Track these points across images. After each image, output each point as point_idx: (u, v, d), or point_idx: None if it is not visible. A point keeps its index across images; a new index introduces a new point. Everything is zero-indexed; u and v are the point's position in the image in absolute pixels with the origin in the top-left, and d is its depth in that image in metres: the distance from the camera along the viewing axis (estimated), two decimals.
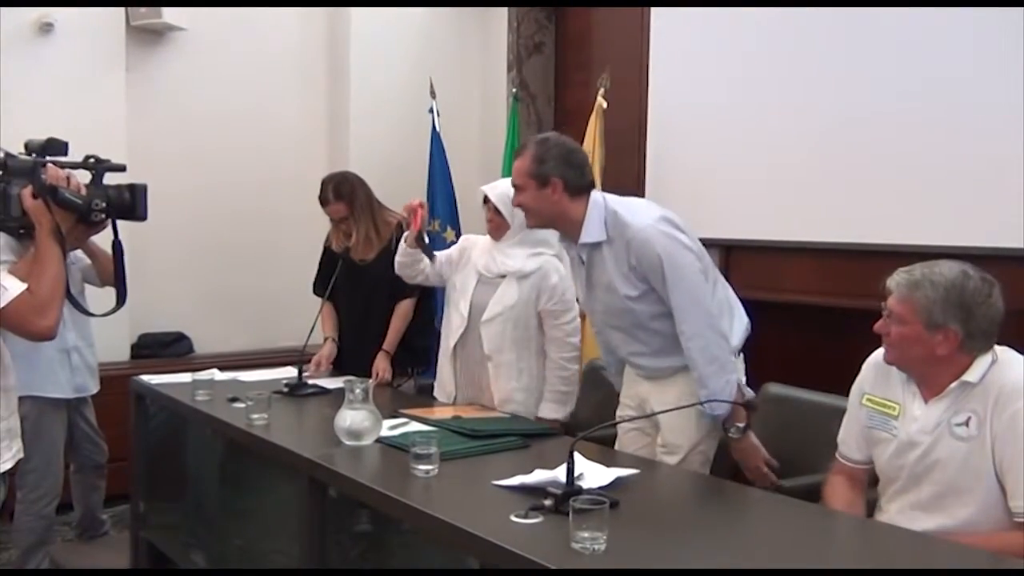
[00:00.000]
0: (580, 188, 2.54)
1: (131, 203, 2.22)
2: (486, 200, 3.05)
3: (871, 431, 2.18)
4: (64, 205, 2.07)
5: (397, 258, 3.18)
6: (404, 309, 3.52)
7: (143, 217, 2.26)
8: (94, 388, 3.55)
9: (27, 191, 2.05)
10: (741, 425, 2.48)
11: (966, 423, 1.99)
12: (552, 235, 2.91)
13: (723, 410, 2.46)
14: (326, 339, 3.58)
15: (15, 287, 1.94)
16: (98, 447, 3.63)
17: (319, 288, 3.68)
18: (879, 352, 2.19)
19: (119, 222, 2.28)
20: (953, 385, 2.02)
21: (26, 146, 2.17)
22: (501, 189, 2.98)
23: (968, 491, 1.97)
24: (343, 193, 3.54)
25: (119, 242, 2.32)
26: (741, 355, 2.66)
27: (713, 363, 2.45)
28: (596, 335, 2.77)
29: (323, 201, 3.57)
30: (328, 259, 3.66)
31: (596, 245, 2.53)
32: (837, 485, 2.25)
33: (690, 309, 2.45)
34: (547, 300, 2.97)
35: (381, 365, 3.45)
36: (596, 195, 2.56)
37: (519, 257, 3.00)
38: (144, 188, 2.24)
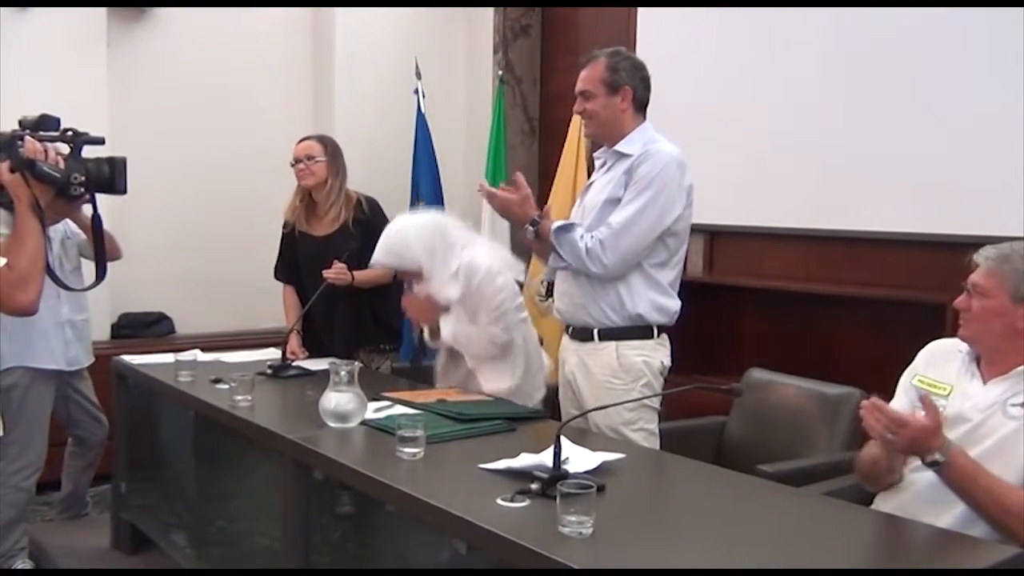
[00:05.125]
0: (642, 104, 2.74)
1: (110, 177, 2.19)
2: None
3: (917, 409, 2.18)
4: (42, 179, 2.04)
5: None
6: (381, 269, 3.45)
7: (123, 191, 2.23)
8: (87, 361, 3.52)
9: (4, 165, 2.02)
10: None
11: (1022, 404, 1.99)
12: (452, 240, 2.91)
13: (560, 248, 2.64)
14: (290, 331, 3.44)
15: None
16: (99, 423, 3.60)
17: (280, 273, 3.65)
18: (939, 341, 2.21)
19: (99, 196, 2.25)
20: (1019, 368, 2.02)
21: (20, 123, 2.15)
22: (384, 249, 2.90)
23: (1001, 466, 1.94)
24: (325, 141, 3.53)
25: (98, 216, 2.29)
26: (665, 335, 2.74)
27: (580, 261, 2.62)
28: None
29: (301, 139, 3.54)
30: (288, 243, 3.61)
31: (624, 156, 2.68)
32: (872, 446, 2.17)
33: (629, 219, 2.58)
34: (469, 299, 2.86)
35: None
36: (648, 123, 2.76)
37: (445, 285, 2.89)
38: (124, 161, 2.21)
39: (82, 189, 2.14)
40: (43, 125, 2.11)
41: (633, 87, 2.69)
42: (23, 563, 3.29)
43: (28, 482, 3.30)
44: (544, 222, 2.67)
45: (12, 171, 2.01)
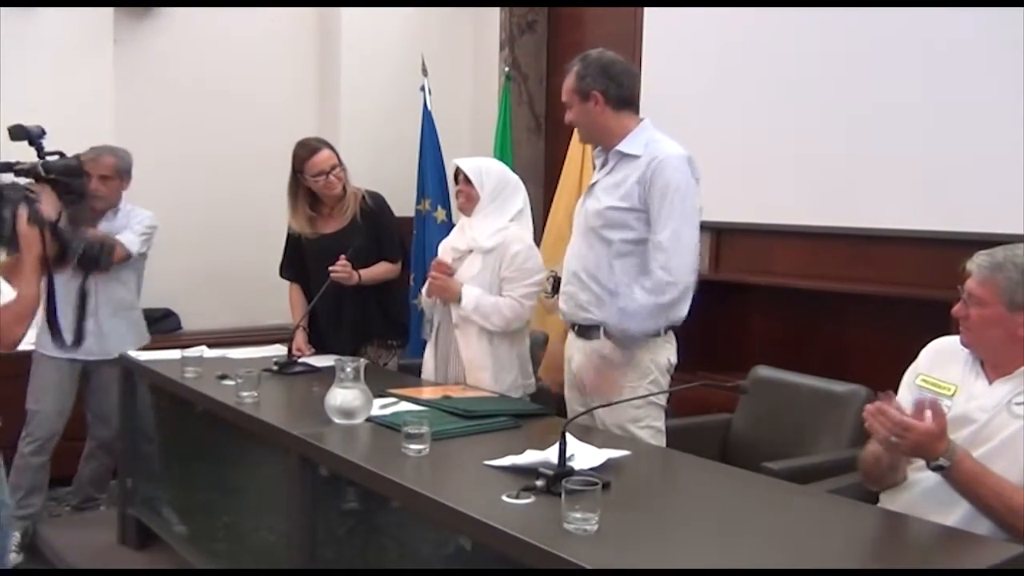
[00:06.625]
0: (621, 99, 2.68)
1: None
2: (457, 175, 3.07)
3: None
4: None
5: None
6: (387, 265, 3.50)
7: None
8: (101, 354, 3.49)
9: (23, 215, 2.04)
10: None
11: None
12: (519, 204, 3.04)
13: (630, 329, 2.59)
14: (296, 327, 3.44)
15: (7, 294, 1.98)
16: (98, 423, 3.62)
17: (286, 272, 3.64)
18: (941, 339, 2.19)
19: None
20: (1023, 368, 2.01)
21: (11, 132, 2.15)
22: (473, 161, 3.10)
23: (1005, 465, 1.94)
24: (330, 145, 3.48)
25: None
26: (672, 333, 2.73)
27: (656, 305, 2.56)
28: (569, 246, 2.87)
29: (313, 151, 3.40)
30: (294, 243, 3.58)
31: (626, 156, 2.66)
32: (875, 444, 2.17)
33: (673, 234, 2.55)
34: (507, 267, 2.98)
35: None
36: (648, 121, 2.72)
37: (486, 231, 2.99)
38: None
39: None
40: (20, 135, 2.12)
41: (602, 89, 2.65)
42: (14, 552, 3.29)
43: (28, 449, 3.42)
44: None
45: (29, 223, 2.05)
